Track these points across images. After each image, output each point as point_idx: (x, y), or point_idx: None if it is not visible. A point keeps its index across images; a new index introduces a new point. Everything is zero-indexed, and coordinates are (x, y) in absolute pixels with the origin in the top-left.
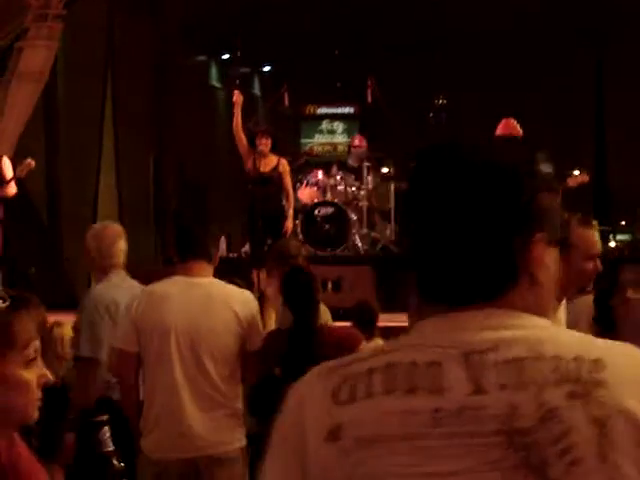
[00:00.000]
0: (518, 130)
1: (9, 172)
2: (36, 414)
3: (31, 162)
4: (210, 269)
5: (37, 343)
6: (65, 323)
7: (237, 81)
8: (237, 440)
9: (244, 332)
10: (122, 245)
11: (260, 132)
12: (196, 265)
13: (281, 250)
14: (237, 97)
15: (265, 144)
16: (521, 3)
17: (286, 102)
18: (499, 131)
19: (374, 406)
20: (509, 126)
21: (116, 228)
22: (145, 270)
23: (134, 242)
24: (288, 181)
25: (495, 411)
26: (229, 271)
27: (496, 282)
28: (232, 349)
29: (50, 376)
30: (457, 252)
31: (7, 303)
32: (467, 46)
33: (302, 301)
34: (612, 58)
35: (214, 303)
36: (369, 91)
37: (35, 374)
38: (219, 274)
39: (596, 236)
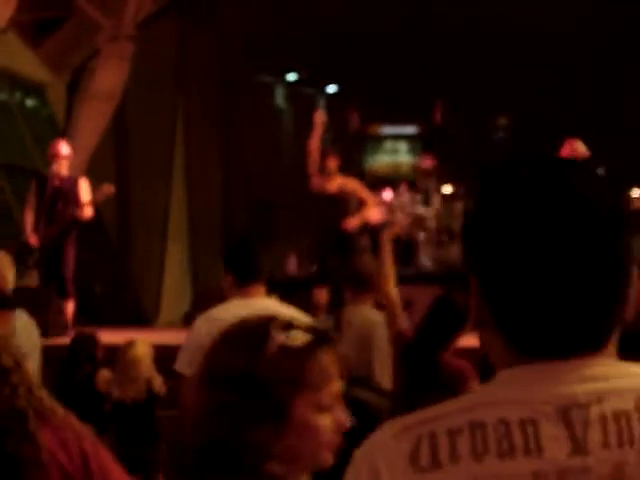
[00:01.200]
0: (584, 151)
1: (86, 195)
2: (331, 458)
3: (110, 188)
4: (264, 289)
5: (335, 385)
6: (138, 342)
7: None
8: None
9: None
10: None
11: (328, 152)
12: (254, 288)
13: (357, 271)
14: (319, 117)
15: (331, 164)
16: (590, 26)
17: (355, 122)
18: (564, 153)
19: (463, 472)
20: (574, 147)
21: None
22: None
23: (204, 261)
24: (363, 193)
25: (599, 472)
26: (298, 289)
27: (604, 330)
28: None
29: (348, 420)
30: (567, 298)
31: (305, 339)
32: (529, 64)
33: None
34: None
35: None
36: (437, 112)
37: (330, 418)
38: (286, 292)
39: None
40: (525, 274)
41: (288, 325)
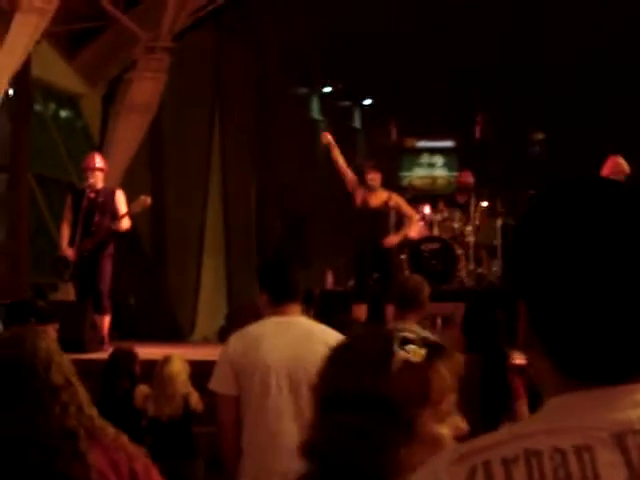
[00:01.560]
0: (626, 168)
1: (123, 207)
2: None
3: (147, 199)
4: (299, 308)
5: (453, 395)
6: (174, 358)
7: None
8: None
9: None
10: None
11: (370, 167)
12: (289, 307)
13: (404, 289)
14: (326, 138)
15: (374, 179)
16: (622, 38)
17: (393, 136)
18: (606, 170)
19: None
20: (616, 164)
21: None
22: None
23: (240, 276)
24: (406, 208)
25: None
26: (333, 305)
27: None
28: None
29: (464, 426)
30: (618, 324)
31: (424, 353)
32: (566, 79)
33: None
34: None
35: (309, 341)
36: (477, 127)
37: (450, 427)
38: (323, 308)
39: None
40: (575, 298)
41: (405, 340)
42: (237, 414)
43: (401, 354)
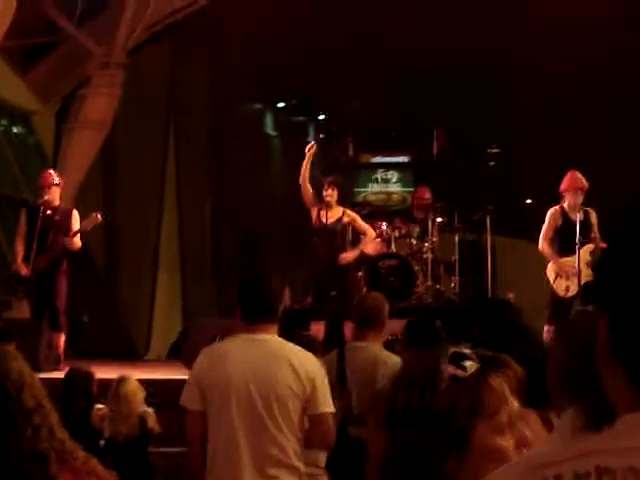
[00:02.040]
0: (584, 183)
1: (76, 225)
2: None
3: (97, 216)
4: (275, 327)
5: (512, 405)
6: (130, 378)
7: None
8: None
9: (305, 392)
10: None
11: (327, 183)
12: (263, 326)
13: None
14: (311, 149)
15: (331, 195)
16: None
17: (350, 152)
18: (565, 184)
19: None
20: (575, 179)
21: None
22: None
23: (195, 292)
24: (361, 224)
25: None
26: (293, 323)
27: None
28: (293, 407)
29: (530, 434)
30: None
31: (474, 367)
32: (523, 94)
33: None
34: None
35: (274, 360)
36: (435, 142)
37: (513, 437)
38: (283, 326)
39: None
40: None
41: (457, 355)
42: (203, 429)
43: (448, 370)
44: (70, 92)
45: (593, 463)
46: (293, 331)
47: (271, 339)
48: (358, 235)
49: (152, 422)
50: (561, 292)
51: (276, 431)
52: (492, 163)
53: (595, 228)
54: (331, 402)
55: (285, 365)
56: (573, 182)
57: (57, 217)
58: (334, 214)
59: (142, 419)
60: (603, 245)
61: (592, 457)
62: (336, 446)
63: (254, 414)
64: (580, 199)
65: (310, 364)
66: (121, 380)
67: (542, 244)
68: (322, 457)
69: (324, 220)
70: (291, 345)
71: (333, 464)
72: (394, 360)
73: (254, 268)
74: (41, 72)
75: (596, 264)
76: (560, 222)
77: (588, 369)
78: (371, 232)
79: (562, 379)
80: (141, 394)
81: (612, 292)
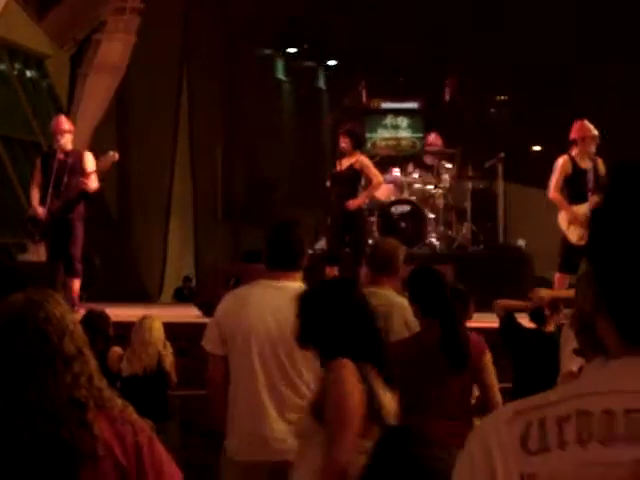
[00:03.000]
0: (594, 131)
1: (91, 167)
2: None
3: (115, 154)
4: (298, 276)
5: None
6: (153, 318)
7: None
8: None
9: None
10: None
11: (341, 132)
12: (283, 273)
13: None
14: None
15: (345, 142)
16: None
17: (364, 98)
18: (575, 133)
19: (569, 457)
20: (585, 128)
21: None
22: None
23: (207, 236)
24: (370, 171)
25: None
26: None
27: None
28: (312, 353)
29: None
30: None
31: None
32: (532, 43)
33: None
34: None
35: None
36: (447, 89)
37: None
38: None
39: None
40: None
41: None
42: (224, 374)
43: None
44: (85, 37)
45: (574, 406)
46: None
47: (293, 286)
48: (370, 181)
49: (169, 364)
50: (575, 239)
51: (296, 377)
52: (502, 111)
53: (604, 178)
54: None
55: None
56: (584, 130)
57: (70, 160)
58: (349, 161)
59: (160, 358)
60: None
61: (575, 401)
62: None
63: (275, 360)
64: (592, 147)
65: None
66: (144, 317)
67: (552, 193)
68: None
69: (338, 167)
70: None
71: None
72: (409, 306)
73: (264, 213)
74: (56, 17)
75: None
76: (570, 171)
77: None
78: (378, 179)
79: (579, 330)
80: (162, 334)
81: (602, 248)
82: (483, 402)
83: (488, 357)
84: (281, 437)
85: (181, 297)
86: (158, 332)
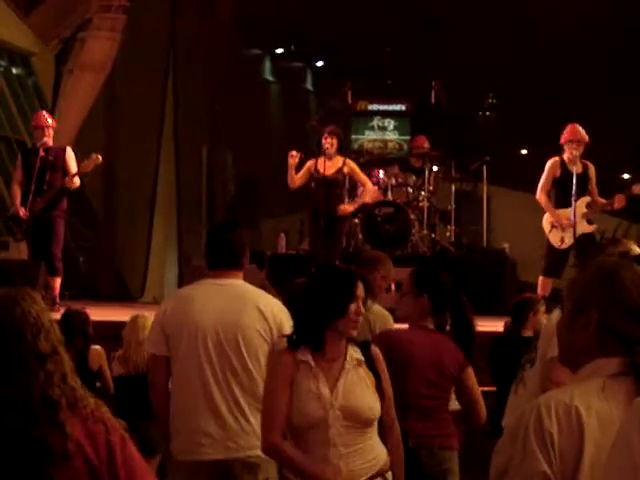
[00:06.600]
0: (584, 136)
1: (73, 164)
2: None
3: (98, 157)
4: (240, 275)
5: None
6: (146, 317)
7: None
8: None
9: (272, 334)
10: None
11: (327, 132)
12: (225, 272)
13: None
14: (293, 159)
15: (331, 144)
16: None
17: (349, 99)
18: (568, 135)
19: None
20: (576, 131)
21: None
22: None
23: (191, 235)
24: (361, 175)
25: None
26: (290, 269)
27: None
28: (260, 349)
29: None
30: None
31: None
32: (520, 44)
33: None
34: None
35: (240, 303)
36: (432, 92)
37: None
38: (280, 272)
39: None
40: None
41: None
42: (167, 374)
43: None
44: (71, 35)
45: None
46: (283, 276)
47: (237, 283)
48: (355, 185)
49: None
50: (556, 243)
51: (244, 373)
52: (488, 113)
53: (593, 182)
54: None
55: (251, 308)
56: (573, 134)
57: (51, 157)
58: (334, 164)
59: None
60: (599, 199)
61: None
62: None
63: (221, 357)
64: (579, 152)
65: (276, 307)
66: (137, 316)
67: (540, 195)
68: None
69: (322, 170)
70: (257, 289)
71: None
72: (382, 312)
73: (250, 214)
74: (42, 14)
75: None
76: (559, 173)
77: None
78: (369, 184)
79: None
80: None
81: None
82: (466, 415)
83: (470, 371)
84: (227, 436)
85: None
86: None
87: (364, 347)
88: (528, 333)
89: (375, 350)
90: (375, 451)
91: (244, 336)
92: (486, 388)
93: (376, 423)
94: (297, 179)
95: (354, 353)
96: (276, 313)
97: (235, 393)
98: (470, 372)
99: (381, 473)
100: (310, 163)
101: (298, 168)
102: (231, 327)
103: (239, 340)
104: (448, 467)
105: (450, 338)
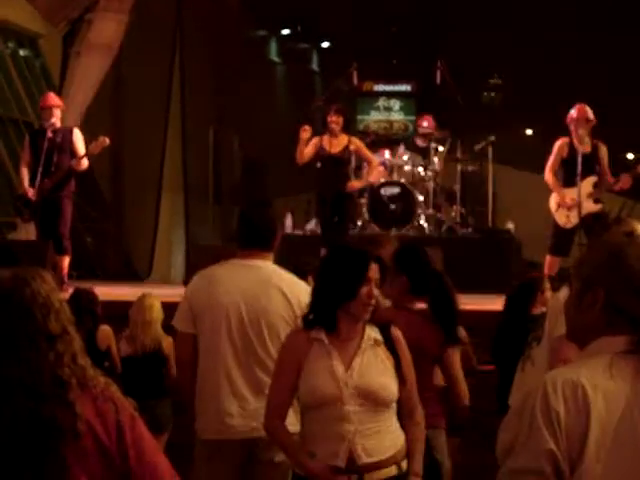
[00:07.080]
0: (590, 115)
1: (81, 145)
2: None
3: (105, 139)
4: (270, 256)
5: None
6: (152, 297)
7: None
8: (290, 424)
9: (296, 320)
10: None
11: (332, 111)
12: (255, 252)
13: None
14: (305, 133)
15: (337, 122)
16: None
17: (355, 80)
18: (572, 114)
19: None
20: (584, 112)
21: None
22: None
23: (198, 216)
24: (367, 153)
25: None
26: (297, 249)
27: None
28: (283, 333)
29: None
30: None
31: None
32: (524, 25)
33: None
34: None
35: (266, 286)
36: (438, 72)
37: None
38: (287, 251)
39: None
40: None
41: None
42: (194, 352)
43: None
44: (78, 16)
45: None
46: (291, 257)
47: (264, 265)
48: (361, 163)
49: (167, 345)
50: (562, 222)
51: (266, 357)
52: (493, 94)
53: (603, 162)
54: None
55: (276, 292)
56: (575, 113)
57: (59, 138)
58: (340, 142)
59: (159, 338)
60: (607, 179)
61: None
62: None
63: (244, 339)
64: (586, 131)
65: (302, 292)
66: (144, 295)
67: (547, 174)
68: None
69: (328, 148)
70: (284, 272)
71: None
72: None
73: (257, 195)
74: None
75: None
76: (566, 154)
77: None
78: (375, 161)
79: None
80: (161, 314)
81: None
82: (448, 394)
83: (450, 351)
84: (249, 415)
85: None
86: (157, 312)
87: (383, 328)
88: (536, 311)
89: (395, 331)
90: (392, 435)
91: (267, 321)
92: (492, 367)
93: (394, 406)
94: (305, 154)
95: (372, 333)
96: (301, 299)
97: (257, 374)
98: (450, 352)
99: (396, 461)
100: (316, 139)
101: (305, 145)
102: (255, 311)
103: (262, 325)
104: (433, 445)
105: (432, 318)
